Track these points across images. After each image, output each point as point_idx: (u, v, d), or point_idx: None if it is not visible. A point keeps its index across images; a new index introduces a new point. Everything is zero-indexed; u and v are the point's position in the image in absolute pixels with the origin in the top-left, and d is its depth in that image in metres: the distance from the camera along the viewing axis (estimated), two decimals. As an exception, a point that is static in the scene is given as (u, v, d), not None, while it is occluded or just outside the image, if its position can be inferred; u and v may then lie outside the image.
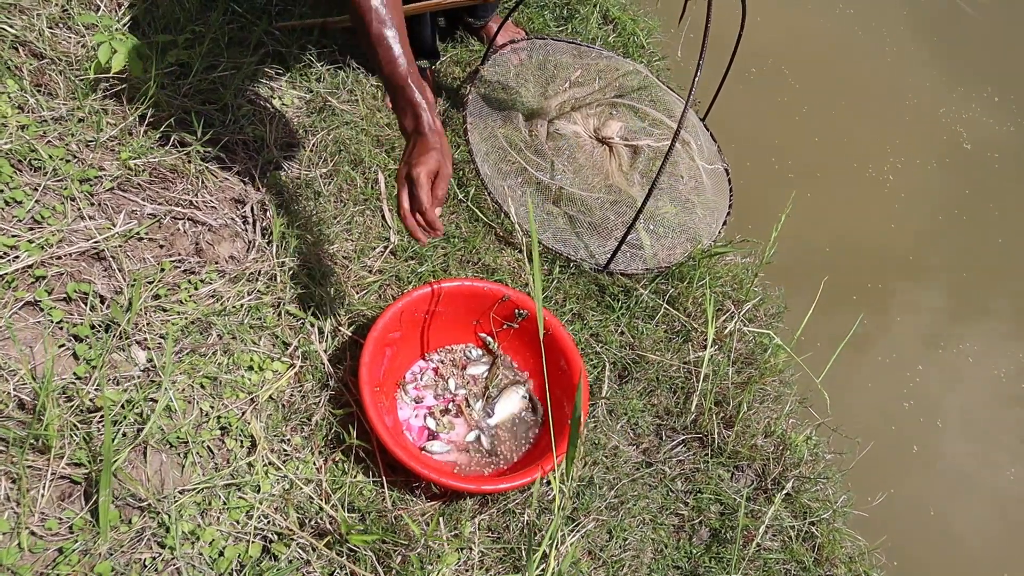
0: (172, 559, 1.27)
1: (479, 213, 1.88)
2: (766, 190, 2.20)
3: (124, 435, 1.32)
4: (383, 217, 1.83)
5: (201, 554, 1.29)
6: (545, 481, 1.50)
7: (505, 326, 1.64)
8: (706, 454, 1.60)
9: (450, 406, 1.58)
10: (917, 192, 2.45)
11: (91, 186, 1.53)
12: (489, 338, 1.65)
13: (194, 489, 1.34)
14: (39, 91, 1.64)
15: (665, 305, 1.77)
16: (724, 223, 1.96)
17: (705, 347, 1.66)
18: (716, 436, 1.60)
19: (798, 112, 2.56)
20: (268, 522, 1.36)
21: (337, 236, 1.75)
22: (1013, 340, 2.24)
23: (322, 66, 2.01)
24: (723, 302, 1.82)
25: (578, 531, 1.50)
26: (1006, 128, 2.69)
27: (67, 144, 1.56)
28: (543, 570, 1.30)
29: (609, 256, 1.79)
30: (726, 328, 1.76)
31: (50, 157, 1.52)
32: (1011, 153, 2.62)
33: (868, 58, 2.79)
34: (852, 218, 2.35)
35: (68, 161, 1.54)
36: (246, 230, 1.69)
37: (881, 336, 2.16)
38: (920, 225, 2.40)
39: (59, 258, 1.43)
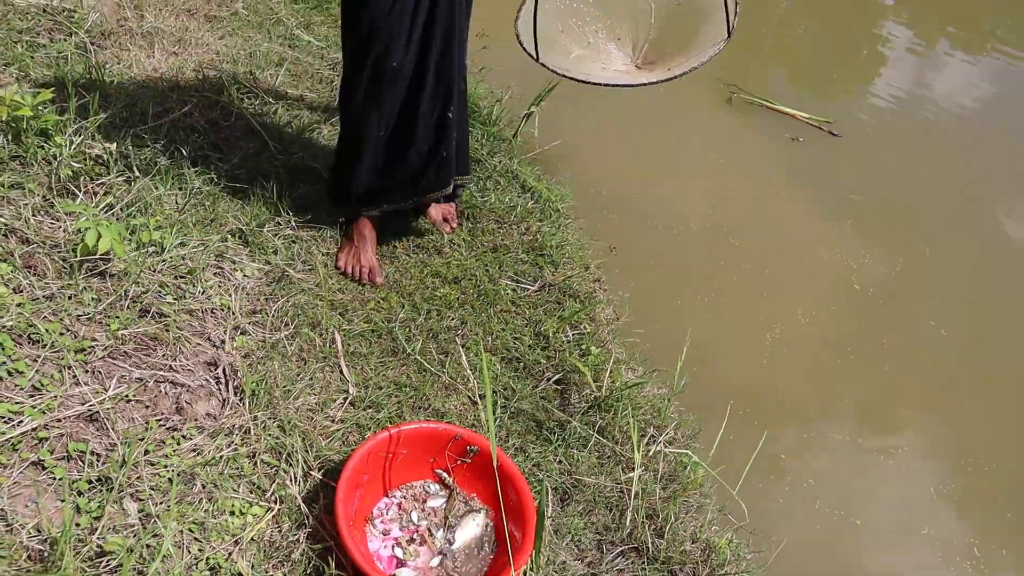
0: None
1: (426, 364, 2.11)
2: (673, 333, 2.51)
3: (125, 579, 1.44)
4: (341, 372, 2.05)
5: None
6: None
7: (459, 461, 1.84)
8: (643, 562, 1.81)
9: (415, 536, 1.75)
10: (814, 326, 2.83)
11: (85, 355, 1.71)
12: (445, 474, 1.85)
13: (190, 626, 1.45)
14: (30, 272, 1.83)
15: (595, 435, 2.02)
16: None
17: (633, 469, 1.90)
18: (650, 546, 1.82)
19: (700, 269, 2.95)
20: (258, 653, 1.48)
21: (302, 391, 1.95)
22: (912, 451, 2.55)
23: (278, 240, 2.27)
24: (646, 428, 2.08)
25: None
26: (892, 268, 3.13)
27: (61, 319, 1.74)
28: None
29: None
30: (650, 451, 2.01)
31: (47, 331, 1.69)
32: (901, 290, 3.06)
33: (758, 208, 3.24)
34: (755, 349, 2.69)
35: (63, 334, 1.72)
36: (220, 389, 1.88)
37: (792, 450, 2.45)
38: (819, 354, 2.75)
39: (59, 421, 1.59)
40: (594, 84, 2.22)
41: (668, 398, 2.18)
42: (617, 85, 2.28)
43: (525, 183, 2.76)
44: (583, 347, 2.25)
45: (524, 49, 2.22)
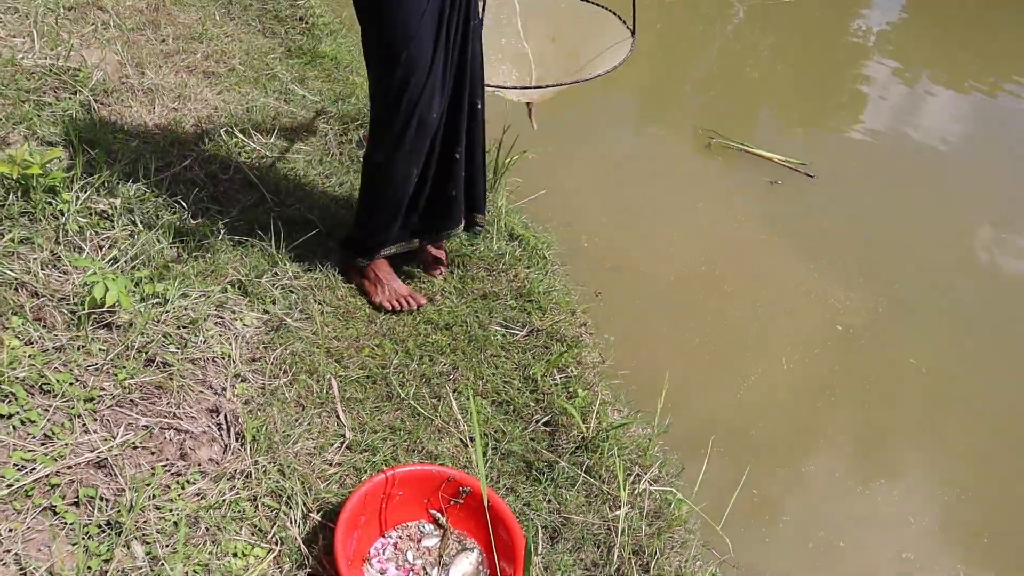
0: None
1: (419, 408, 2.20)
2: (657, 375, 2.61)
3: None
4: (338, 417, 2.13)
5: None
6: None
7: (452, 502, 1.92)
8: (631, 598, 1.89)
9: (411, 574, 1.82)
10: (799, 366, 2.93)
11: (94, 404, 1.79)
12: (439, 514, 1.92)
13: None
14: (40, 324, 1.91)
15: (583, 474, 2.10)
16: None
17: (620, 507, 1.98)
18: (637, 582, 1.90)
19: (683, 312, 3.06)
20: None
21: (300, 436, 2.03)
22: (895, 484, 2.64)
23: (276, 290, 2.36)
24: (631, 467, 2.17)
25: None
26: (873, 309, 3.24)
27: (71, 370, 1.82)
28: None
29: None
30: (636, 489, 2.09)
31: (58, 382, 1.77)
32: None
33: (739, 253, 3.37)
34: (738, 389, 2.78)
35: (72, 384, 1.80)
36: (222, 435, 1.95)
37: (776, 486, 2.53)
38: (800, 392, 2.85)
39: (69, 467, 1.66)
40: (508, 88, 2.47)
41: (652, 438, 2.26)
42: (527, 88, 2.46)
43: (513, 231, 2.86)
44: (570, 390, 2.34)
45: None
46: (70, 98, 2.71)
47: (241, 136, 2.87)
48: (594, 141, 4.03)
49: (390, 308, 2.44)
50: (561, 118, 3.94)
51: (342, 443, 2.06)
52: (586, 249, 3.19)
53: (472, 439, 2.16)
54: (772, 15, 5.77)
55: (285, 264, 2.44)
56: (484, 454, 2.12)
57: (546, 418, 2.24)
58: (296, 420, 2.05)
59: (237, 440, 1.94)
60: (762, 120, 4.71)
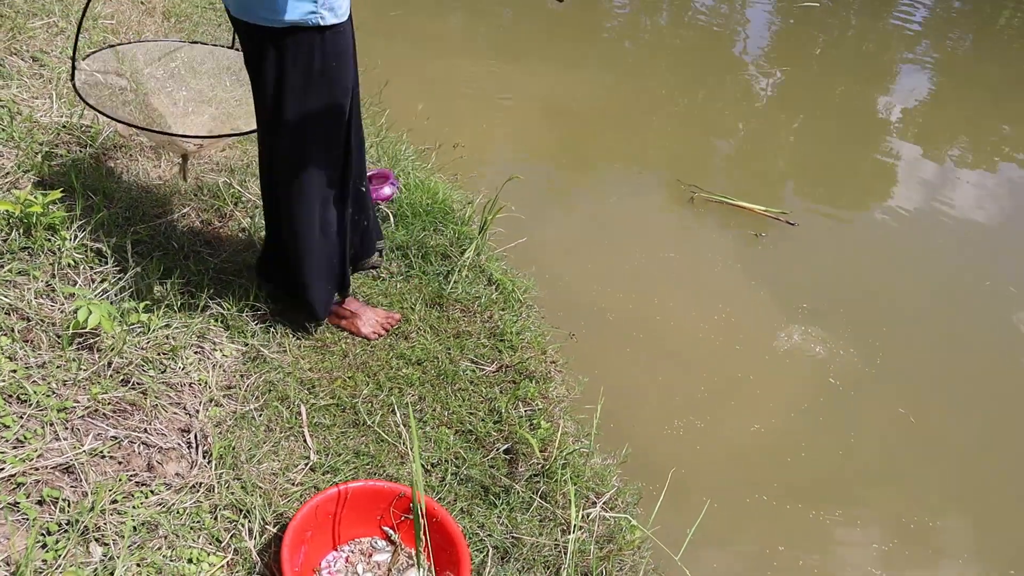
0: None
1: (383, 435, 2.28)
2: (625, 413, 2.67)
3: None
4: (305, 440, 2.22)
5: None
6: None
7: (403, 518, 1.98)
8: (576, 617, 1.92)
9: (360, 587, 1.88)
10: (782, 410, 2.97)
11: (67, 414, 1.90)
12: (390, 530, 1.99)
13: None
14: (27, 344, 2.05)
15: (538, 499, 2.16)
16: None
17: (571, 530, 2.04)
18: (583, 602, 1.93)
19: (660, 354, 3.13)
20: None
21: (266, 456, 2.12)
22: (868, 522, 2.65)
23: (256, 324, 2.49)
24: (588, 495, 2.22)
25: None
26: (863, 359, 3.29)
27: (49, 383, 1.95)
28: None
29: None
30: (590, 514, 2.14)
31: (34, 392, 1.90)
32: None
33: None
34: (708, 426, 2.83)
35: (48, 396, 1.92)
36: (190, 452, 2.05)
37: (741, 520, 2.55)
38: (774, 434, 2.88)
39: (37, 469, 1.77)
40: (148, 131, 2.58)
41: (611, 467, 2.32)
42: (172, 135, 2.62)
43: (492, 277, 2.98)
44: (534, 421, 2.42)
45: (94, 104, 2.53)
46: (80, 151, 2.92)
47: (238, 187, 3.05)
48: (575, 194, 4.19)
49: (378, 336, 2.60)
50: (544, 172, 4.11)
51: (307, 464, 2.15)
52: (564, 294, 3.29)
53: (435, 464, 2.23)
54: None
55: (268, 302, 2.57)
56: (443, 479, 2.19)
57: (507, 446, 2.31)
58: (263, 441, 2.15)
59: (204, 457, 2.04)
60: (743, 173, 4.82)
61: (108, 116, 2.51)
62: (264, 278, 2.56)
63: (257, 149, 2.36)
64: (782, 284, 3.63)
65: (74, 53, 2.43)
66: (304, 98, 2.08)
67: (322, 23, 1.96)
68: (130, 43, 2.91)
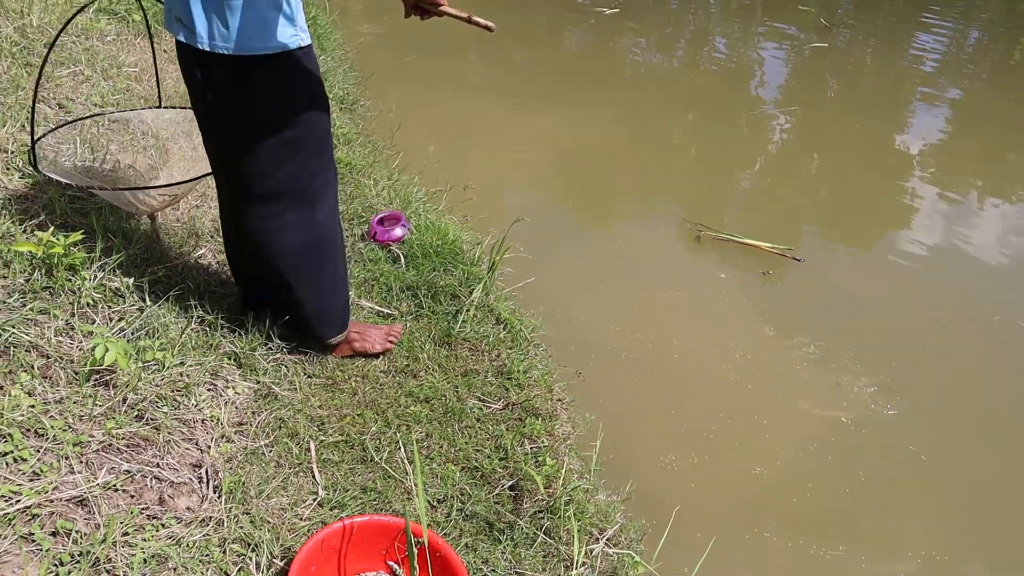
0: None
1: (391, 472, 2.32)
2: (631, 451, 2.69)
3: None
4: (313, 476, 2.26)
5: None
6: None
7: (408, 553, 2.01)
8: (578, 652, 1.93)
9: (364, 620, 1.90)
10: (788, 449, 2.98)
11: (82, 448, 1.96)
12: (395, 565, 2.02)
13: None
14: (45, 380, 2.12)
15: (542, 535, 2.18)
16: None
17: (574, 567, 2.06)
18: (585, 637, 1.95)
19: (666, 393, 3.16)
20: None
21: (275, 491, 2.16)
22: (874, 559, 2.64)
23: (268, 363, 2.55)
24: (591, 530, 2.24)
25: None
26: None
27: (65, 418, 2.01)
28: None
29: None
30: (593, 550, 2.16)
31: (51, 427, 1.96)
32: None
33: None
34: (716, 470, 2.84)
35: (64, 430, 1.98)
36: (201, 487, 2.10)
37: (749, 556, 2.55)
38: (783, 472, 2.89)
39: (51, 501, 1.82)
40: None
41: (615, 504, 2.34)
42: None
43: (500, 316, 3.04)
44: (539, 458, 2.44)
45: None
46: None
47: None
48: (583, 234, 4.25)
49: (385, 349, 2.74)
50: (553, 212, 4.18)
51: (315, 500, 2.19)
52: (572, 333, 3.34)
53: (440, 500, 2.26)
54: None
55: (279, 341, 2.63)
56: (448, 514, 2.22)
57: (512, 482, 2.34)
58: (272, 477, 2.19)
59: (215, 492, 2.09)
60: (750, 211, 4.87)
61: (63, 183, 2.60)
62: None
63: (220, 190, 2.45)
64: (790, 321, 3.65)
65: (32, 129, 2.56)
66: (299, 116, 2.20)
67: (302, 44, 2.08)
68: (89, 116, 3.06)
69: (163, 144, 3.08)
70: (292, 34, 2.04)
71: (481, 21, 2.27)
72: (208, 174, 2.52)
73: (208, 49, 2.01)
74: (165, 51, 4.41)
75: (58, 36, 2.51)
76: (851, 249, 4.44)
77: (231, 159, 2.27)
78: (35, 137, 2.57)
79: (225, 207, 2.46)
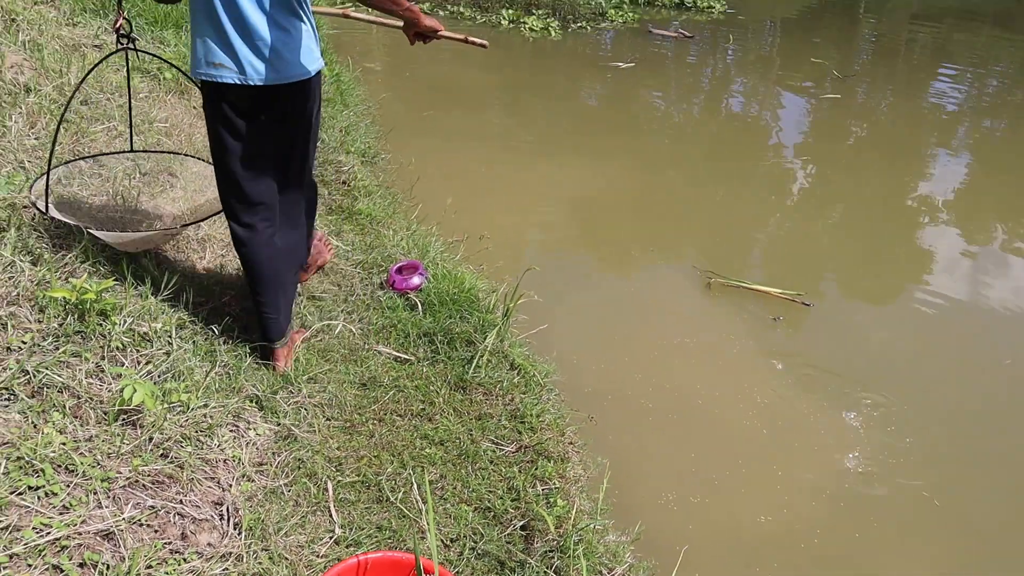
0: None
1: (405, 511, 2.38)
2: (642, 493, 2.72)
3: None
4: (330, 515, 2.33)
5: None
6: None
7: (423, 589, 2.06)
8: None
9: (377, 655, 1.95)
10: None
11: (110, 484, 2.04)
12: (410, 601, 2.07)
13: None
14: (76, 419, 2.21)
15: (552, 574, 2.23)
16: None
17: (584, 604, 2.10)
18: (594, 674, 1.98)
19: (678, 437, 3.20)
20: None
21: (293, 529, 2.23)
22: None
23: (288, 406, 2.64)
24: (600, 570, 2.28)
25: None
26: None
27: (94, 455, 2.10)
28: None
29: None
30: (603, 590, 2.20)
31: (81, 463, 2.05)
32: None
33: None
34: (729, 513, 2.87)
35: (94, 467, 2.07)
36: (222, 523, 2.17)
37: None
38: (798, 517, 2.91)
39: (80, 534, 1.90)
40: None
41: (625, 545, 2.38)
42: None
43: (514, 361, 3.11)
44: (550, 499, 2.49)
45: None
46: (132, 242, 3.15)
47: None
48: (596, 281, 4.33)
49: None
50: (567, 261, 4.26)
51: (331, 537, 2.25)
52: (584, 378, 3.40)
53: (453, 540, 2.32)
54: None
55: (299, 384, 2.72)
56: (461, 553, 2.27)
57: (523, 522, 2.39)
58: (291, 515, 2.26)
59: (235, 528, 2.16)
60: (761, 259, 4.94)
61: (74, 223, 2.84)
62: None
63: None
64: (800, 366, 3.69)
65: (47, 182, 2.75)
66: (316, 125, 2.69)
67: (323, 67, 2.57)
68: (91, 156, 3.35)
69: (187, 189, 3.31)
70: (318, 57, 2.53)
71: (476, 40, 2.71)
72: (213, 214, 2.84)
73: (268, 83, 2.40)
74: (194, 107, 4.60)
75: (80, 83, 2.69)
76: (862, 296, 4.49)
77: (294, 159, 2.66)
78: (48, 180, 2.77)
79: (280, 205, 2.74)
